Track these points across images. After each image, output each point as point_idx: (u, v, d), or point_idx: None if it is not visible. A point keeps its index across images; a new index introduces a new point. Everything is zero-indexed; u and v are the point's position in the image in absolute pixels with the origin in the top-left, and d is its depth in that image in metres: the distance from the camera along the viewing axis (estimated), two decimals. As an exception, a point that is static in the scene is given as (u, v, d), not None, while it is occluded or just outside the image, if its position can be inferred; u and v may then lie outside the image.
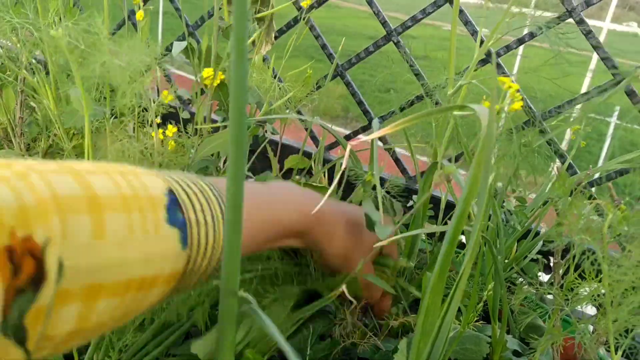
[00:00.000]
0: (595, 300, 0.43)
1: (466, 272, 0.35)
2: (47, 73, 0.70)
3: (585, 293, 0.45)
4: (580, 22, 0.75)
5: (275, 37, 0.97)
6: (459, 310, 0.65)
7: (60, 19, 0.67)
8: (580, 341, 0.44)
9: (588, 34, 0.75)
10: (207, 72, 0.62)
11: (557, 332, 0.50)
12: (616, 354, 0.39)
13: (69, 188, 0.27)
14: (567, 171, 0.77)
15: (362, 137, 0.92)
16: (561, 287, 0.49)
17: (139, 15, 0.62)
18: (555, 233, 0.46)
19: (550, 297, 0.69)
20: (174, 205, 0.33)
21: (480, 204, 0.32)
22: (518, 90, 0.47)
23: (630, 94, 0.73)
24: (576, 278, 0.45)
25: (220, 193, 0.36)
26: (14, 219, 0.24)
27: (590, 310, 0.73)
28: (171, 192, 0.33)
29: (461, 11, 0.81)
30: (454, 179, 0.44)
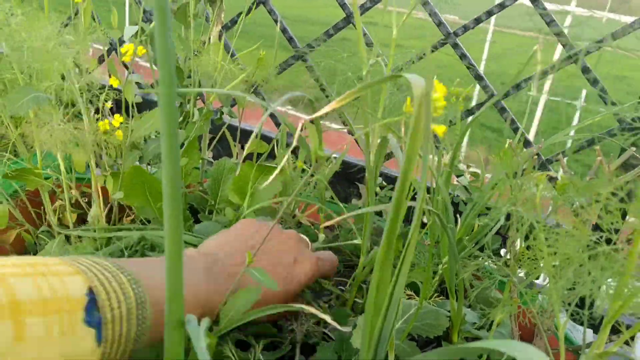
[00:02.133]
0: (545, 271, 0.43)
1: (412, 244, 0.35)
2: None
3: (541, 265, 0.46)
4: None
5: (234, 22, 0.96)
6: (417, 286, 0.65)
7: None
8: (530, 310, 0.45)
9: (543, 11, 0.75)
10: (127, 47, 0.61)
11: (512, 303, 0.50)
12: (564, 320, 0.40)
13: None
14: (525, 147, 0.78)
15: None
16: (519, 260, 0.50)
17: None
18: (506, 206, 0.46)
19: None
20: (92, 305, 0.36)
21: (422, 177, 0.32)
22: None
23: (584, 70, 0.74)
24: (526, 248, 0.45)
25: (139, 282, 0.40)
26: None
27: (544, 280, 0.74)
28: (91, 292, 0.36)
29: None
30: (392, 148, 0.44)
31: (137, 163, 0.69)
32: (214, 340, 0.36)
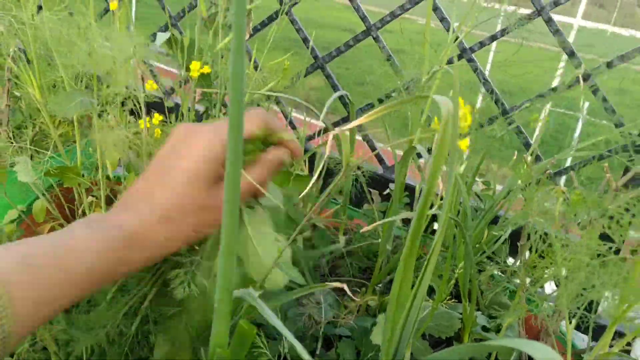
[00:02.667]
0: (554, 278, 0.47)
1: (437, 246, 0.39)
2: (29, 62, 0.71)
3: (547, 274, 0.50)
4: (549, 20, 0.79)
5: (257, 30, 1.00)
6: (433, 289, 0.69)
7: (39, 8, 0.68)
8: (541, 315, 0.48)
9: (556, 32, 0.79)
10: (195, 65, 0.64)
11: (521, 308, 0.54)
12: (570, 324, 0.44)
13: None
14: (535, 162, 0.82)
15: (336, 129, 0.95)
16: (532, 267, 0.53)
17: (113, 5, 0.64)
18: (520, 217, 0.49)
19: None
20: None
21: (448, 186, 0.36)
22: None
23: (594, 90, 0.77)
24: (539, 257, 0.49)
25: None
26: None
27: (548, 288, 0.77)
28: None
29: (436, 8, 0.85)
30: (423, 156, 0.47)
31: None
32: (254, 330, 0.39)
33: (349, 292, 0.39)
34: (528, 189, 0.49)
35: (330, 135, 0.50)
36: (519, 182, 0.58)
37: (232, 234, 0.33)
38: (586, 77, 0.77)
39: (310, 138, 1.02)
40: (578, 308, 0.42)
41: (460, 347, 0.38)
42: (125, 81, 0.55)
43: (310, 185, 0.82)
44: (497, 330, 0.63)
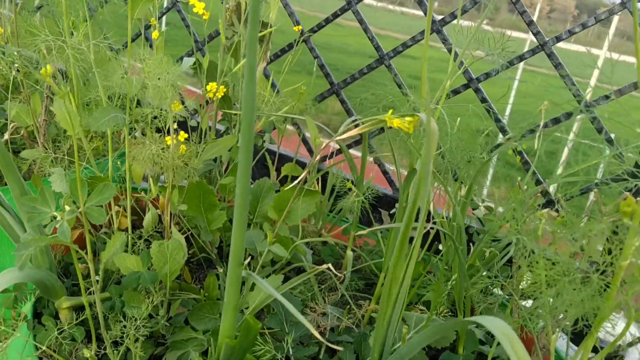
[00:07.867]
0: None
1: (416, 246, 0.43)
2: (66, 80, 0.78)
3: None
4: (551, 54, 0.84)
5: (278, 56, 1.06)
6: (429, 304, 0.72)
7: (83, 35, 0.76)
8: (528, 328, 0.52)
9: (557, 65, 0.84)
10: (211, 85, 0.70)
11: (514, 321, 0.57)
12: (553, 335, 0.47)
13: None
14: (536, 183, 0.85)
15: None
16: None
17: (155, 34, 0.71)
18: (509, 235, 0.53)
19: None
20: None
21: (423, 198, 0.40)
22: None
23: (593, 120, 0.81)
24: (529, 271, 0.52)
25: None
26: None
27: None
28: None
29: (445, 40, 0.90)
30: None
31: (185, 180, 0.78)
32: (259, 325, 0.44)
33: (333, 271, 0.43)
34: (516, 211, 0.53)
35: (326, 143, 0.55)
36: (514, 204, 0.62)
37: (241, 241, 0.38)
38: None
39: (324, 159, 1.07)
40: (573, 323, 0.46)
41: (434, 326, 0.42)
42: (158, 102, 0.61)
43: (322, 203, 0.87)
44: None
